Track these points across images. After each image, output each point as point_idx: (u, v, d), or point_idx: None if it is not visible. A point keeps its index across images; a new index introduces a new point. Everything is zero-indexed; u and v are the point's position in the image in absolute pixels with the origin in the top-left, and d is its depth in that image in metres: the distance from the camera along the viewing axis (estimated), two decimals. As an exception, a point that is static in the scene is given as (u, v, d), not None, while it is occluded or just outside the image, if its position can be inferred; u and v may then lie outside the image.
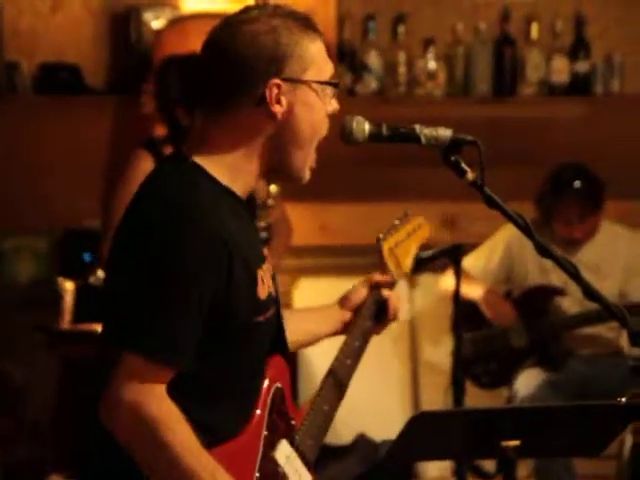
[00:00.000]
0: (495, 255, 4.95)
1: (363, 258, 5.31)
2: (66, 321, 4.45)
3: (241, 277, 2.09)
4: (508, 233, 4.83)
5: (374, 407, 5.18)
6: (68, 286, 4.47)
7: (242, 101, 2.13)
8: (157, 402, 2.02)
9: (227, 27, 2.16)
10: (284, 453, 2.20)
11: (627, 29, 5.72)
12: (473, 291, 4.85)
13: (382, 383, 5.31)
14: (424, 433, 2.55)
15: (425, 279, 5.29)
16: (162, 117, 4.05)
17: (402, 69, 5.58)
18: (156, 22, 5.40)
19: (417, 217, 2.79)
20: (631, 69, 5.68)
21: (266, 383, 2.22)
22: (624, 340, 4.82)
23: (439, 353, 5.15)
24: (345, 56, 5.55)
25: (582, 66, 5.64)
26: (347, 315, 2.57)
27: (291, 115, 2.15)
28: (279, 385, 2.25)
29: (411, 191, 5.26)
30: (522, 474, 4.88)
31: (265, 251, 2.26)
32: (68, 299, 4.45)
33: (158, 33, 5.32)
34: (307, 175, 2.22)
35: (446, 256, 3.79)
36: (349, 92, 5.48)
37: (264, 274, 2.17)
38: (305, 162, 2.20)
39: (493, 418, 2.62)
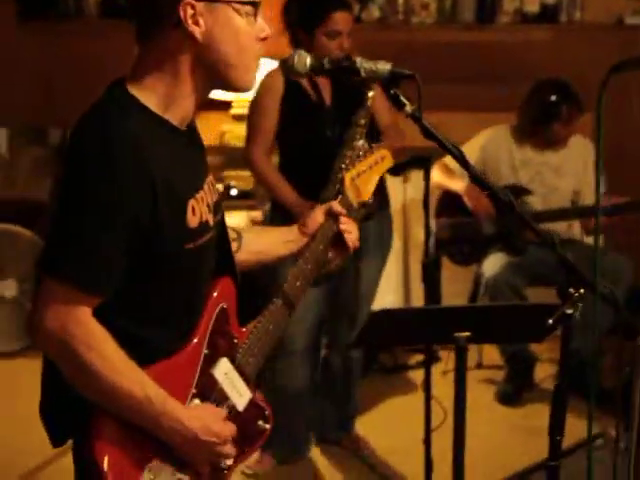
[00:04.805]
0: (473, 155, 4.47)
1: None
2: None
3: (167, 207, 1.64)
4: (484, 138, 4.41)
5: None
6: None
7: (162, 25, 1.64)
8: (78, 325, 1.60)
9: None
10: (223, 370, 1.80)
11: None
12: (457, 185, 4.44)
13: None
14: (382, 327, 2.16)
15: (415, 175, 4.86)
16: None
17: (401, 0, 5.24)
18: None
19: (381, 150, 2.20)
20: (589, 2, 5.36)
21: (210, 304, 1.80)
22: (577, 229, 4.43)
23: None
24: (354, -13, 5.11)
25: (550, -2, 5.35)
26: (304, 239, 2.03)
27: (212, 36, 1.64)
28: (224, 305, 1.83)
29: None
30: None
31: (209, 179, 1.79)
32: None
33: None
34: (251, 84, 1.71)
35: (416, 165, 3.32)
36: (356, 19, 4.99)
37: (197, 203, 1.71)
38: (244, 74, 1.69)
39: (449, 314, 2.23)
